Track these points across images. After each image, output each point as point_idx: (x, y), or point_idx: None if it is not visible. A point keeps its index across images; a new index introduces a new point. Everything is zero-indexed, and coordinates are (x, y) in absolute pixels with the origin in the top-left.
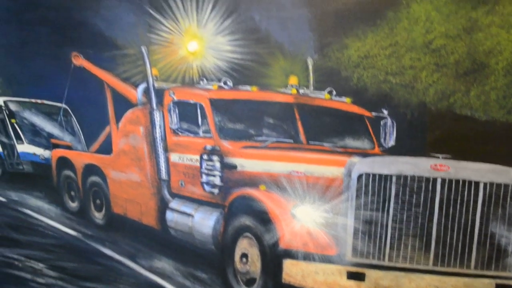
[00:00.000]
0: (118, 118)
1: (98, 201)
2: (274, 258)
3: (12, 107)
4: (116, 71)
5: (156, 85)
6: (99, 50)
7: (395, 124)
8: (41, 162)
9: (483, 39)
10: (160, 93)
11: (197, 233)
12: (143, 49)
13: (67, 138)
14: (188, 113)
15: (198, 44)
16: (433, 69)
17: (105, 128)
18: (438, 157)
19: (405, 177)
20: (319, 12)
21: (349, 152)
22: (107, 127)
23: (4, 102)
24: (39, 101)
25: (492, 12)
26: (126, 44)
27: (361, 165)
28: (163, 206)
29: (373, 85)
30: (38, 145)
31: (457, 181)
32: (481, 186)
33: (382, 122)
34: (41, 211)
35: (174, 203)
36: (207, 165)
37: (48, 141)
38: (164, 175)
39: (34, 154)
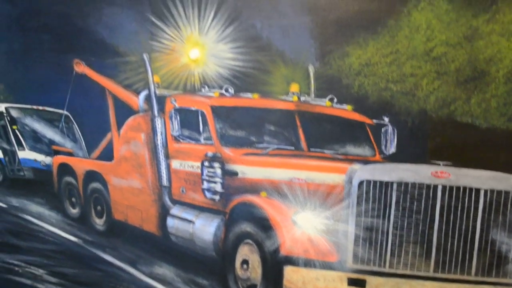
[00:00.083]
0: (119, 125)
1: (99, 208)
2: (275, 264)
3: (14, 113)
4: (118, 78)
5: (157, 92)
6: (101, 57)
7: (396, 131)
8: (42, 169)
9: (484, 47)
10: (161, 100)
11: (198, 239)
12: (145, 56)
13: (69, 145)
14: (189, 120)
15: (199, 51)
16: (434, 77)
17: (106, 135)
18: (439, 164)
19: (406, 184)
20: (321, 20)
21: (350, 159)
22: (109, 134)
23: (6, 108)
24: (40, 107)
25: (493, 21)
26: (128, 52)
27: (362, 172)
28: (164, 213)
29: (374, 92)
30: (39, 151)
31: (458, 188)
32: (482, 193)
33: (383, 130)
34: (41, 217)
35: (175, 210)
36: (208, 171)
37: (49, 148)
38: (165, 181)
39: (35, 161)
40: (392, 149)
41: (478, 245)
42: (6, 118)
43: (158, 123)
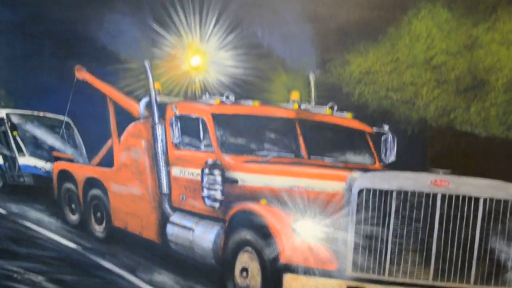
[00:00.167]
0: (120, 132)
1: (98, 214)
2: (274, 272)
3: (14, 119)
4: (119, 84)
5: (158, 99)
6: (102, 63)
7: (396, 139)
8: (42, 175)
9: (484, 56)
10: (162, 107)
11: (197, 247)
12: (146, 63)
13: (69, 151)
14: (190, 127)
15: (200, 59)
16: (433, 86)
17: (107, 141)
18: (439, 173)
19: (406, 193)
20: (321, 29)
21: (350, 167)
22: (109, 141)
23: (7, 114)
24: (41, 113)
25: (493, 30)
26: (129, 58)
27: (362, 180)
28: (163, 220)
29: (374, 101)
30: (40, 157)
31: (457, 197)
32: (481, 201)
33: (383, 138)
34: (41, 223)
35: (175, 217)
36: (208, 179)
37: (49, 154)
38: (165, 189)
39: (35, 167)
40: (392, 157)
41: (477, 254)
42: (6, 124)
43: (159, 130)
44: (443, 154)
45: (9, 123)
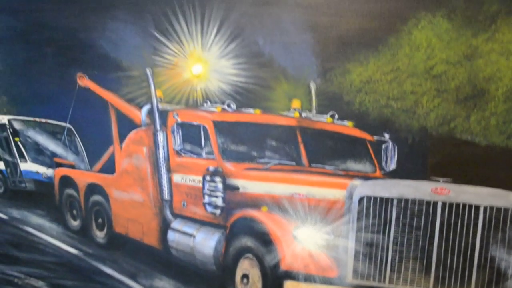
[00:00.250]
0: (121, 139)
1: (100, 220)
2: (275, 279)
3: (16, 125)
4: (121, 92)
5: (160, 106)
6: (104, 71)
7: (396, 148)
8: (44, 181)
9: (483, 66)
10: (164, 115)
11: (198, 253)
12: (148, 71)
13: (71, 157)
14: (191, 134)
15: (202, 67)
16: (434, 95)
17: (108, 148)
18: (439, 181)
19: (406, 200)
20: (322, 38)
21: (350, 175)
22: (111, 147)
23: (9, 120)
24: (43, 120)
25: (492, 40)
26: (131, 66)
27: (363, 188)
28: (165, 226)
29: (374, 109)
30: (41, 163)
31: (458, 205)
32: (481, 209)
33: (383, 146)
34: (42, 229)
35: (176, 223)
36: (209, 186)
37: (51, 160)
38: (166, 195)
39: (37, 173)
40: (392, 165)
41: (477, 262)
42: (8, 130)
43: (160, 137)
44: (444, 162)
45: (11, 129)
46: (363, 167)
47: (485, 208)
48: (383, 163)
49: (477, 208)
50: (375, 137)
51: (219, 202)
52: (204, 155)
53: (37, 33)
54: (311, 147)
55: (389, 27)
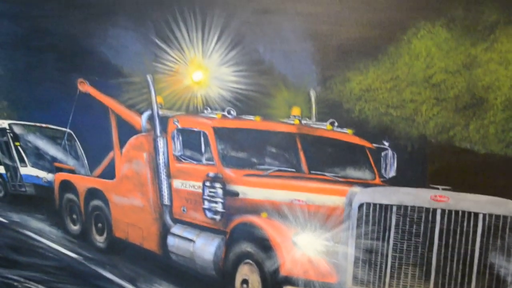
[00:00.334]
0: (122, 144)
1: (99, 225)
2: (274, 284)
3: (17, 130)
4: (121, 98)
5: (160, 112)
6: (105, 77)
7: (395, 155)
8: (44, 185)
9: (482, 75)
10: (164, 121)
11: (198, 258)
12: (149, 77)
13: (71, 162)
14: (191, 140)
15: (203, 74)
16: (433, 103)
17: (108, 153)
18: (438, 189)
19: (406, 208)
20: (322, 46)
21: (350, 182)
22: (111, 152)
23: (9, 125)
24: (43, 125)
25: (491, 49)
26: (131, 72)
27: (362, 195)
28: (164, 231)
29: (374, 117)
30: (42, 168)
31: (457, 212)
32: (480, 217)
33: (383, 153)
34: (42, 233)
35: (175, 229)
36: (209, 191)
37: (51, 165)
38: (166, 200)
39: (37, 177)
40: (392, 172)
41: (476, 269)
42: (9, 135)
43: (161, 143)
44: (443, 170)
45: (11, 134)
46: (363, 174)
47: (484, 216)
48: (383, 171)
49: (476, 215)
50: (375, 145)
51: (219, 207)
52: (204, 161)
53: (38, 39)
54: (311, 154)
55: (388, 36)
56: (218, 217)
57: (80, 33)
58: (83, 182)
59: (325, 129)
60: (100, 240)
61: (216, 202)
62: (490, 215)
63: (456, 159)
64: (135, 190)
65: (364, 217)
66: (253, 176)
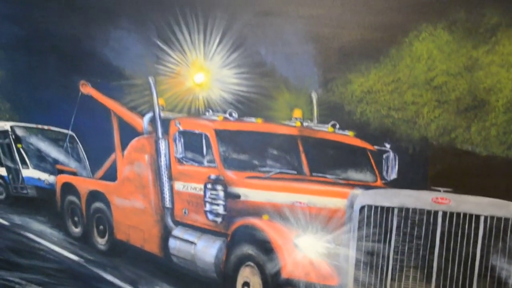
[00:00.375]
0: (123, 146)
1: (101, 227)
2: (276, 287)
3: (19, 132)
4: (123, 100)
5: (162, 114)
6: (107, 79)
7: (397, 157)
8: (46, 187)
9: (484, 77)
10: (166, 123)
11: (199, 261)
12: (151, 79)
13: (72, 164)
14: (193, 142)
15: (204, 76)
16: (434, 105)
17: (110, 155)
18: (439, 191)
19: (407, 210)
20: (324, 48)
21: (351, 184)
22: (113, 155)
23: (11, 127)
24: (45, 127)
25: (492, 52)
26: (133, 74)
27: (364, 197)
28: (166, 234)
29: (375, 119)
30: (43, 170)
31: (458, 214)
32: (482, 219)
33: (384, 156)
34: (43, 235)
35: (177, 231)
36: (211, 194)
37: (53, 167)
38: (168, 203)
39: (39, 179)
40: (393, 175)
41: (478, 271)
42: (11, 137)
43: (162, 145)
44: (444, 172)
45: (13, 136)
46: (364, 176)
47: (485, 218)
48: (384, 173)
49: (477, 218)
50: (376, 147)
51: (221, 210)
52: (205, 163)
53: (40, 41)
54: (312, 156)
55: (390, 38)
56: (219, 220)
57: (82, 35)
58: (84, 184)
59: (327, 131)
60: (101, 242)
61: (217, 204)
62: (492, 217)
63: (457, 161)
64: (137, 192)
65: (365, 219)
66: (254, 178)
